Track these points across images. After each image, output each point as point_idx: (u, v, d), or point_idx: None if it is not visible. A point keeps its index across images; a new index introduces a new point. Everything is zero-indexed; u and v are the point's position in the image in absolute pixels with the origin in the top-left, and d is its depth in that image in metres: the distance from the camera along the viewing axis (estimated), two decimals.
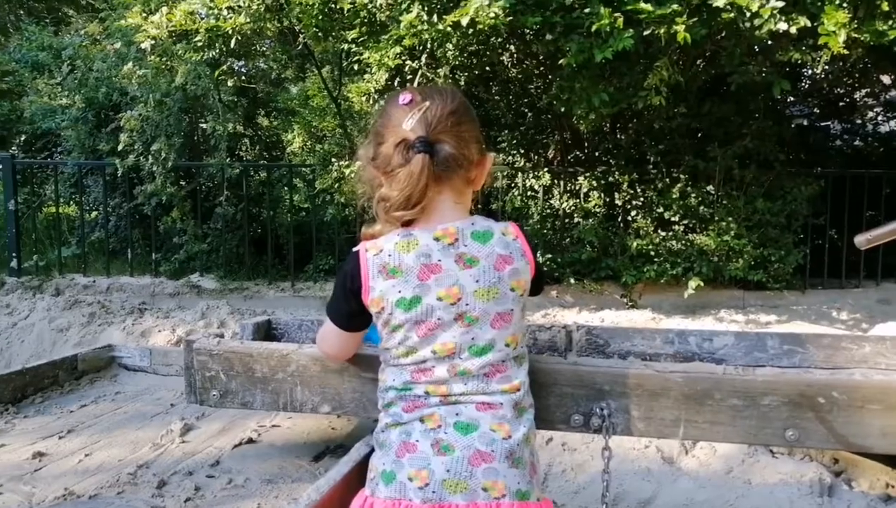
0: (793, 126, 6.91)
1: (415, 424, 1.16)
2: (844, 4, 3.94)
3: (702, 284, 5.27)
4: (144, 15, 5.36)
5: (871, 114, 7.53)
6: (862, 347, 1.84)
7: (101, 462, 2.13)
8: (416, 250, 1.15)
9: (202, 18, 5.17)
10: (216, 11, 5.04)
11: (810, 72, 6.86)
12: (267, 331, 2.40)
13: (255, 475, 2.04)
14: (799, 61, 4.63)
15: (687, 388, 1.51)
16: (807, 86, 7.26)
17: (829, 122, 7.51)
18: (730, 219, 5.43)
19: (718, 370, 1.51)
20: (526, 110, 6.46)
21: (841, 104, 7.40)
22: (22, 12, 13.12)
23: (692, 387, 1.50)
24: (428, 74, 5.62)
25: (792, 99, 7.04)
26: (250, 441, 2.28)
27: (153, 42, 5.19)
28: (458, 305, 1.14)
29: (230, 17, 4.98)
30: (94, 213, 7.04)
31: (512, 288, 1.18)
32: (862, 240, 1.68)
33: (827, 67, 5.88)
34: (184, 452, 2.20)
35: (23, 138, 7.83)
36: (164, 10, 5.15)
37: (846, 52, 3.99)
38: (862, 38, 4.06)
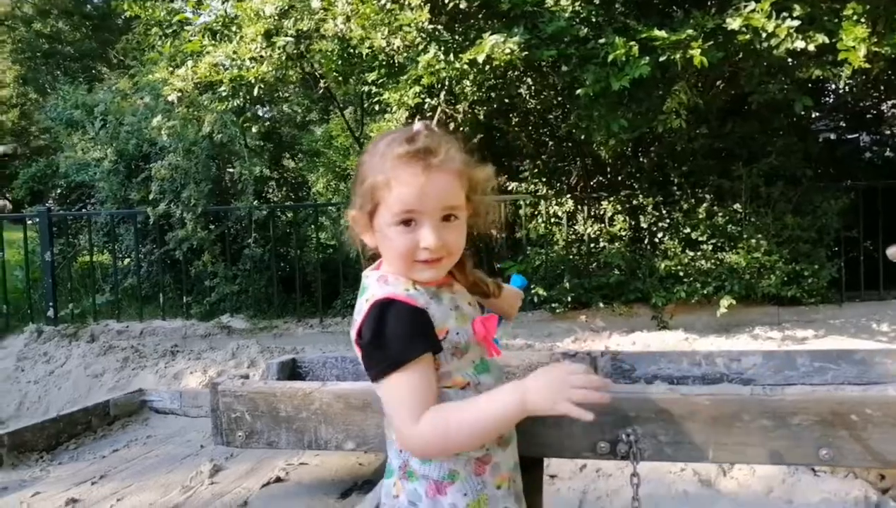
0: (819, 140, 6.81)
1: None
2: (862, 20, 3.91)
3: (734, 302, 5.17)
4: (171, 69, 5.56)
5: None
6: None
7: (133, 507, 2.14)
8: None
9: (226, 69, 5.33)
10: (239, 62, 5.20)
11: (834, 86, 6.78)
12: (292, 370, 2.40)
13: None
14: (821, 77, 4.59)
15: (714, 411, 1.47)
16: (832, 100, 7.17)
17: (856, 135, 7.40)
18: (759, 236, 5.34)
19: (746, 391, 1.47)
20: (546, 139, 6.49)
21: (868, 116, 7.29)
22: (59, 73, 13.71)
23: (720, 410, 1.46)
24: (447, 110, 5.70)
25: (817, 114, 6.96)
26: (278, 480, 2.28)
27: (180, 94, 5.36)
28: None
29: (253, 67, 5.12)
30: (126, 260, 7.22)
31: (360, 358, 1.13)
32: (894, 251, 1.64)
33: (850, 81, 5.82)
34: (213, 494, 2.21)
35: (58, 192, 8.11)
36: (190, 63, 5.33)
37: (867, 65, 3.95)
38: (883, 52, 4.02)
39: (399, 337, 1.07)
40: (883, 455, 1.32)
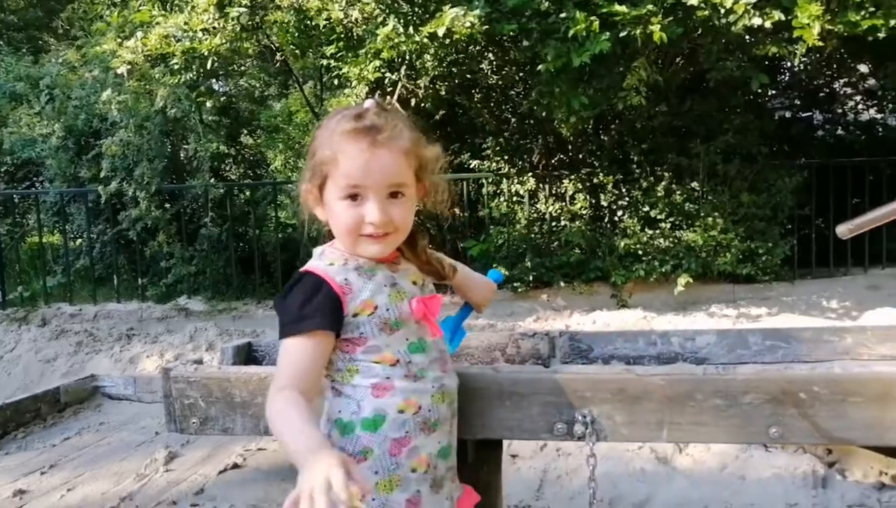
0: (775, 118, 6.94)
1: None
2: None
3: (691, 280, 5.26)
4: (119, 40, 5.34)
5: (851, 103, 7.57)
6: (844, 339, 1.81)
7: (84, 497, 2.09)
8: None
9: (177, 41, 5.14)
10: (191, 33, 5.02)
11: (789, 65, 6.90)
12: (248, 354, 2.35)
13: (239, 501, 2.00)
14: (777, 55, 4.66)
15: (669, 390, 1.48)
16: (787, 78, 7.30)
17: (810, 113, 7.55)
18: (716, 214, 5.43)
19: (699, 370, 1.49)
20: (509, 116, 6.46)
21: (821, 95, 7.44)
22: (1, 43, 13.07)
23: (674, 389, 1.47)
24: (408, 86, 5.62)
25: (773, 92, 7.07)
26: (235, 466, 2.25)
27: (129, 67, 5.16)
28: None
29: (206, 39, 4.96)
30: (77, 241, 6.99)
31: None
32: (844, 229, 1.67)
33: (805, 59, 5.92)
34: (168, 481, 2.17)
35: (3, 169, 7.78)
36: (139, 34, 5.13)
37: (821, 43, 4.02)
38: (836, 30, 4.09)
39: (291, 310, 1.10)
40: (829, 432, 1.35)
